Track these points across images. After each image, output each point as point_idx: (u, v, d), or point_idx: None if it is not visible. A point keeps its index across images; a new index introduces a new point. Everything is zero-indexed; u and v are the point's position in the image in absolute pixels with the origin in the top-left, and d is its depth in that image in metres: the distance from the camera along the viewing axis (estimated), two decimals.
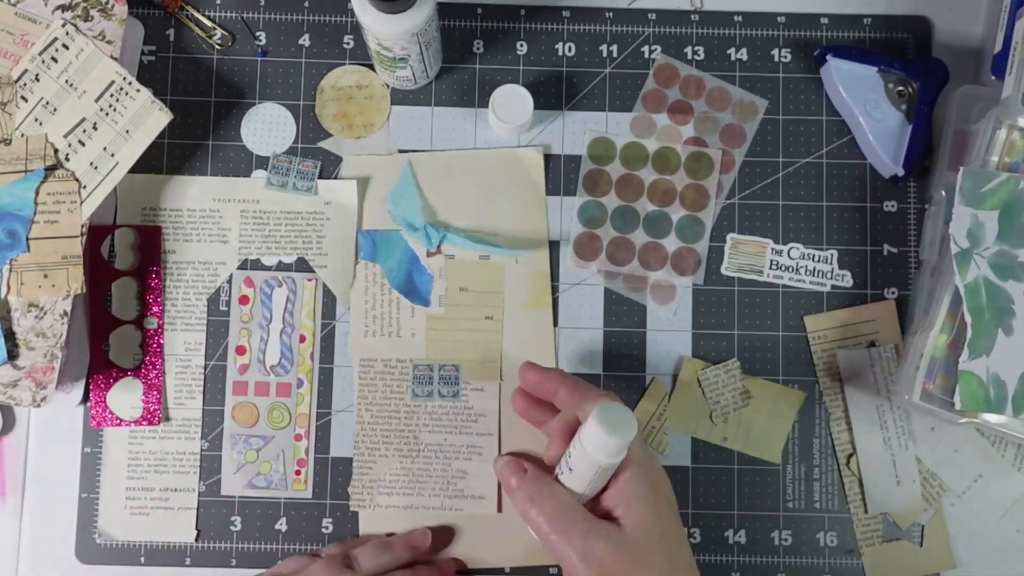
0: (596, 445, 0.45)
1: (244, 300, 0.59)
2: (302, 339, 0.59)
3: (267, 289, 0.59)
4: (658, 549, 0.45)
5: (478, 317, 0.59)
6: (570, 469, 0.48)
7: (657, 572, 0.45)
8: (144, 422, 0.58)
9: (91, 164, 0.56)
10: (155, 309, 0.59)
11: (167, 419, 0.59)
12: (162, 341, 0.59)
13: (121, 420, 0.58)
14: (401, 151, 0.61)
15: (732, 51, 0.62)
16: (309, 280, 0.59)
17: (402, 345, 0.59)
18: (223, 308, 0.59)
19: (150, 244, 0.59)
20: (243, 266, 0.60)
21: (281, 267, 0.60)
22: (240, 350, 0.59)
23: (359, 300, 0.59)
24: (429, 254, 0.59)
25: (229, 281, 0.59)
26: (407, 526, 0.58)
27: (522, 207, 0.60)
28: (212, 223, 0.60)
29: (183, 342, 0.59)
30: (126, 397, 0.58)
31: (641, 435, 0.51)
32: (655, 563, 0.45)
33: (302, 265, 0.60)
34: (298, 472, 0.58)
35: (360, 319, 0.59)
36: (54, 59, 0.56)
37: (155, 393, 0.58)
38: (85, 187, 0.56)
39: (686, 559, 0.48)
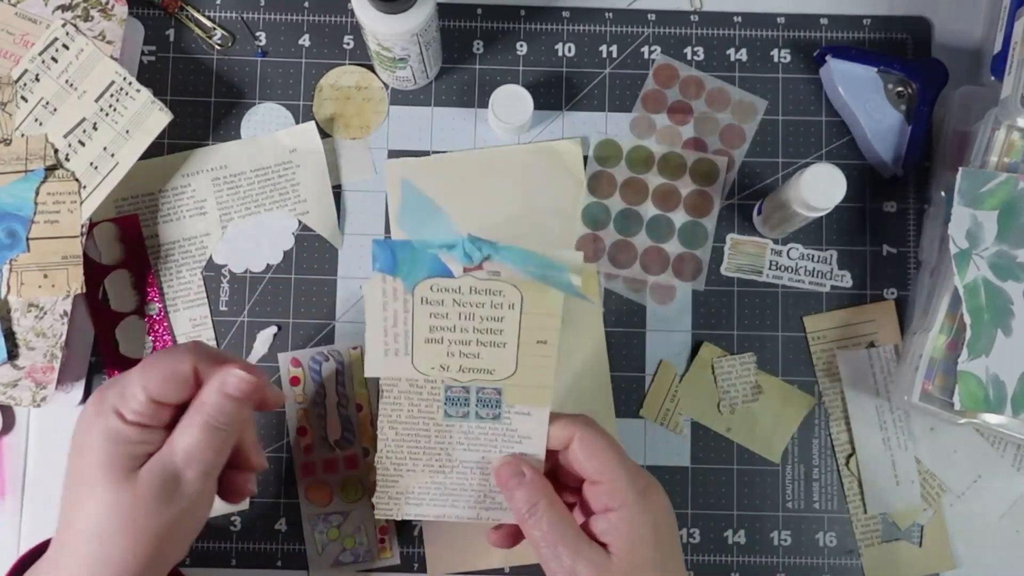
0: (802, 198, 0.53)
1: (295, 382, 0.59)
2: (359, 408, 0.59)
3: (315, 366, 0.59)
4: None
5: (528, 341, 0.49)
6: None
7: None
8: None
9: (91, 164, 0.56)
10: (153, 295, 0.59)
11: None
12: (167, 324, 0.59)
13: None
14: (400, 152, 0.61)
15: (732, 51, 0.63)
16: (354, 349, 0.59)
17: None
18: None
19: (131, 233, 0.59)
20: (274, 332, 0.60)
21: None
22: (302, 431, 0.58)
23: (377, 317, 0.49)
24: (466, 270, 0.49)
25: (276, 363, 0.59)
26: (440, 530, 0.58)
27: (563, 205, 0.60)
28: (187, 198, 0.60)
29: (188, 319, 0.59)
30: None
31: (652, 481, 0.47)
32: None
33: (334, 337, 0.59)
34: (382, 541, 0.58)
35: (379, 337, 0.49)
36: (54, 59, 0.56)
37: None
38: (85, 187, 0.56)
39: None
